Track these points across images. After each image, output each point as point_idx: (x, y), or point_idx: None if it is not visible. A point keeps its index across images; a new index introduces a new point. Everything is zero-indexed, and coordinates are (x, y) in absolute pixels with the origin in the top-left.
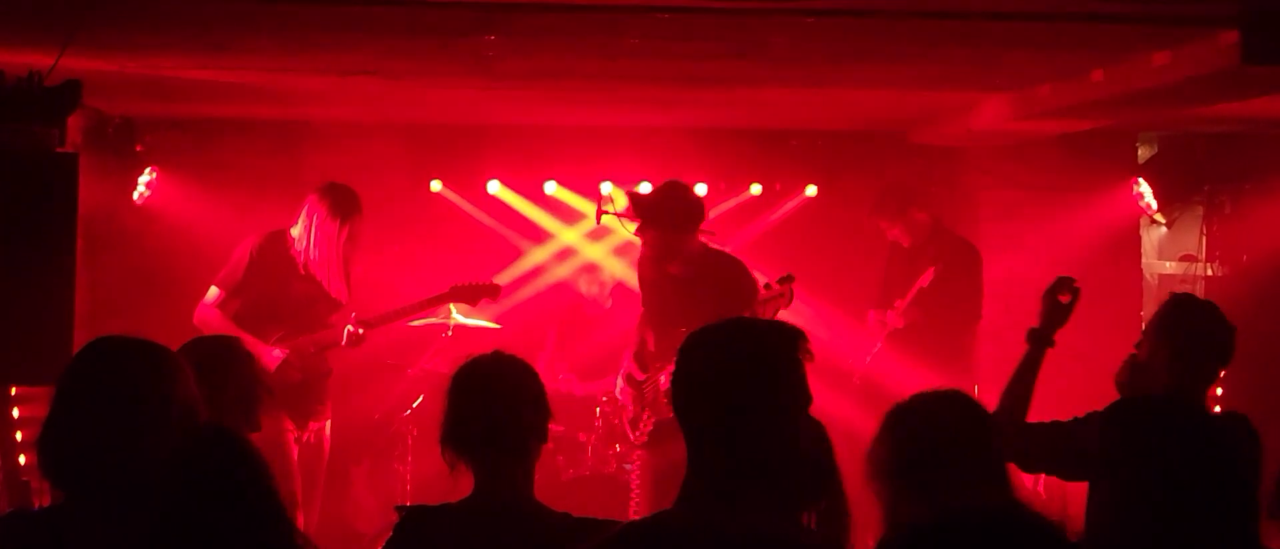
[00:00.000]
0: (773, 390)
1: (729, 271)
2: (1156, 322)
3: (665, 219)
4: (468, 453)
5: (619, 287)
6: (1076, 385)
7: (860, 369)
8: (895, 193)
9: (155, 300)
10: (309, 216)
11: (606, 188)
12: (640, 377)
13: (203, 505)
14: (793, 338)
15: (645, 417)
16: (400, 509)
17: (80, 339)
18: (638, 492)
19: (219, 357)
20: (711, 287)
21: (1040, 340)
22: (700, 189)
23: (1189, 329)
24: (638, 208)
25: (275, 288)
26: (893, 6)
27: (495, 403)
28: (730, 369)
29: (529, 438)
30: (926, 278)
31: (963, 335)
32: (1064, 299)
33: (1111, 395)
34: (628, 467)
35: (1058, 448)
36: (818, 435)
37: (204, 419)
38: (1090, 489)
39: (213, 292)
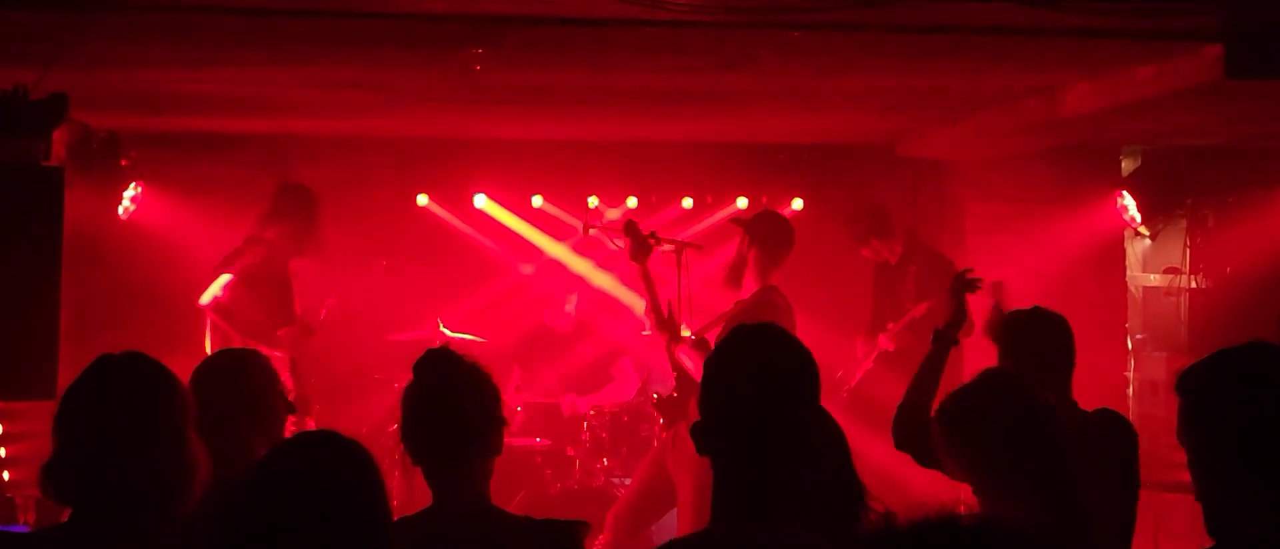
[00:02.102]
0: (793, 402)
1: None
2: (999, 343)
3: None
4: (422, 459)
5: (583, 303)
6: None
7: (847, 387)
8: (864, 219)
9: (140, 316)
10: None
11: (593, 202)
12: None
13: (306, 507)
14: (804, 352)
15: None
16: None
17: (65, 355)
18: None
19: (241, 371)
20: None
21: (946, 341)
22: (686, 203)
23: (1025, 340)
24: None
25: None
26: (879, 20)
27: (449, 409)
28: (750, 382)
29: (486, 444)
30: (921, 309)
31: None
32: (972, 296)
33: (1098, 406)
34: (615, 480)
35: None
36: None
37: (199, 434)
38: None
39: (226, 278)
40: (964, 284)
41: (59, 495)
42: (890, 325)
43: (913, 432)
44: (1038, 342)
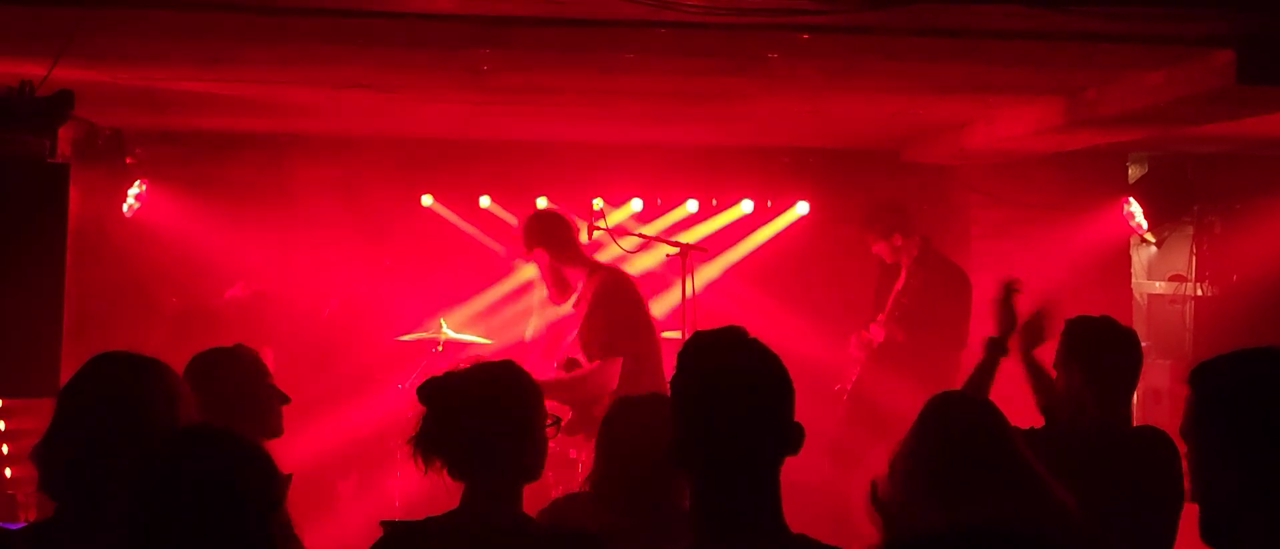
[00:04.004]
0: (771, 408)
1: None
2: (1065, 347)
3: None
4: (464, 471)
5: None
6: None
7: (841, 390)
8: (884, 214)
9: (143, 313)
10: None
11: (598, 203)
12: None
13: (182, 504)
14: (776, 362)
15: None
16: (385, 523)
17: (67, 352)
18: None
19: (232, 365)
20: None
21: (997, 349)
22: (690, 205)
23: (1100, 351)
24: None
25: None
26: (888, 23)
27: (504, 421)
28: (730, 392)
29: (527, 456)
30: (900, 282)
31: (946, 358)
32: (1014, 303)
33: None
34: None
35: None
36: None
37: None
38: None
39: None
40: (1011, 293)
41: (44, 487)
42: (879, 316)
43: None
44: (1105, 354)
